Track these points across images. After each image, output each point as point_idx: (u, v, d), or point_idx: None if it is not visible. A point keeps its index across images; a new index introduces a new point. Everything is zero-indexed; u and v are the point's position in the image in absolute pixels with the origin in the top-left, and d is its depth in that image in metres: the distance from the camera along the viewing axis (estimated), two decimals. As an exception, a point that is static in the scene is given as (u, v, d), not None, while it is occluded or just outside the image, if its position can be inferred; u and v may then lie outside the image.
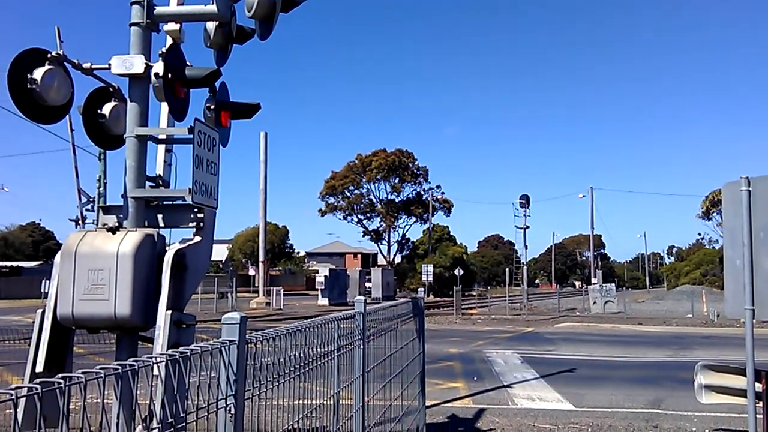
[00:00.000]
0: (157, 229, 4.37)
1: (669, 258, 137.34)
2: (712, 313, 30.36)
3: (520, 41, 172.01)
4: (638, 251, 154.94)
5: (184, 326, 4.02)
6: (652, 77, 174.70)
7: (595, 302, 36.94)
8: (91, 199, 16.92)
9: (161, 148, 5.11)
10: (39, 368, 4.09)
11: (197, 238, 4.51)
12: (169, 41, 4.89)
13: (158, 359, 2.16)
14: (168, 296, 4.02)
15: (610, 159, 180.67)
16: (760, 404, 7.35)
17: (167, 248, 4.27)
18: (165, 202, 4.76)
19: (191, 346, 2.23)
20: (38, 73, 4.42)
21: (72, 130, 15.65)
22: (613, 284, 41.57)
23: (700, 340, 21.08)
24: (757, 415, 7.26)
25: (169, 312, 3.96)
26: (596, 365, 14.99)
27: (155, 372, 2.65)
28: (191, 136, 4.40)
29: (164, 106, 5.13)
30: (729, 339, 20.56)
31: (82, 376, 1.69)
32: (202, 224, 4.59)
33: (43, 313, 4.25)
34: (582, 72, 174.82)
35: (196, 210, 4.59)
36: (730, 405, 8.07)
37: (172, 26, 4.91)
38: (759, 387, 7.32)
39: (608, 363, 15.37)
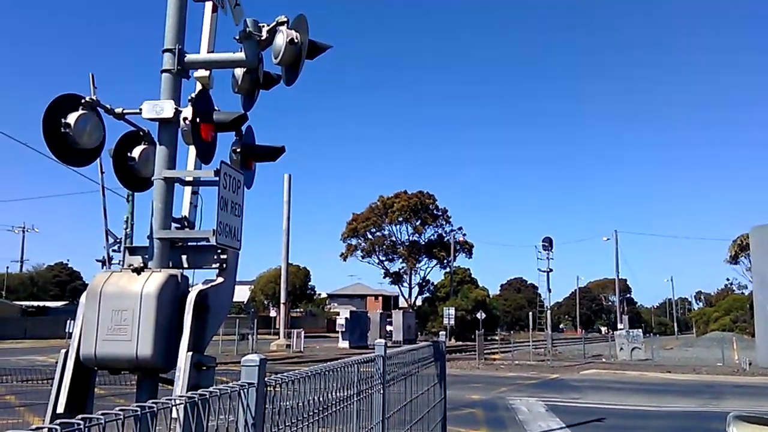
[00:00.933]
0: (181, 270, 4.42)
1: (697, 303, 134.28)
2: (744, 361, 29.36)
3: (542, 86, 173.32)
4: (665, 296, 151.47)
5: (205, 368, 4.02)
6: (676, 122, 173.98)
7: (621, 348, 36.03)
8: (118, 240, 17.20)
9: (188, 190, 5.21)
10: (60, 409, 4.10)
11: (220, 279, 4.55)
12: (199, 87, 5.05)
13: (177, 401, 2.16)
14: (189, 338, 4.03)
15: (634, 202, 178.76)
16: (798, 459, 7.03)
17: (190, 289, 4.31)
18: (189, 243, 4.83)
19: (210, 389, 2.23)
20: (72, 118, 4.58)
21: (102, 173, 16.10)
22: (640, 330, 40.54)
23: (731, 389, 20.35)
24: (795, 471, 6.94)
25: (190, 354, 3.97)
26: (624, 415, 14.52)
27: (174, 414, 2.64)
28: (217, 178, 4.50)
29: (192, 150, 5.25)
30: (762, 389, 19.83)
31: (101, 417, 1.70)
32: (225, 265, 4.63)
33: (67, 353, 4.28)
34: (606, 114, 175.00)
35: (219, 251, 4.64)
36: (766, 459, 7.73)
37: (202, 73, 5.08)
38: (796, 440, 7.02)
39: (636, 412, 14.89)
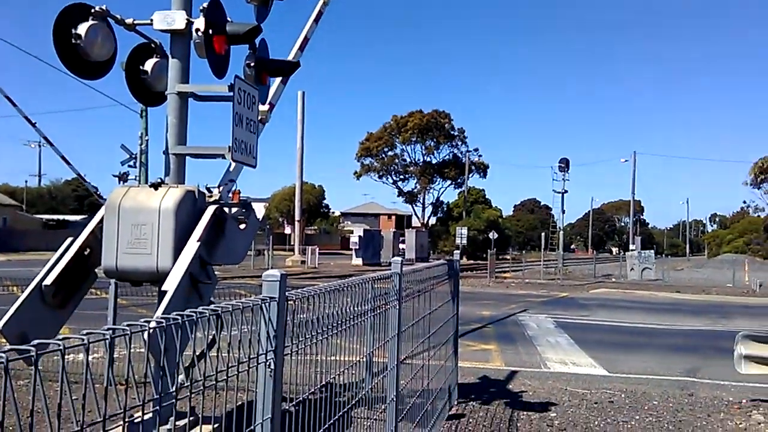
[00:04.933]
0: (197, 185, 4.43)
1: (711, 226, 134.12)
2: (755, 282, 29.61)
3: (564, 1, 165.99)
4: (680, 218, 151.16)
5: (208, 282, 4.07)
6: (699, 36, 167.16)
7: (632, 269, 36.38)
8: (133, 156, 17.22)
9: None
10: (47, 282, 4.21)
11: (243, 226, 4.59)
12: (210, -4, 4.86)
13: (199, 314, 2.19)
14: (200, 239, 4.04)
15: (653, 123, 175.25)
16: (802, 377, 7.20)
17: (208, 201, 4.34)
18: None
19: (234, 302, 2.26)
20: (82, 29, 4.45)
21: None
22: (652, 251, 40.75)
23: (740, 309, 20.64)
24: (799, 388, 7.12)
25: (195, 248, 3.96)
26: (632, 332, 14.85)
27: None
28: (231, 93, 4.41)
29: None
30: (771, 310, 20.08)
31: (127, 328, 1.72)
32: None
33: (74, 240, 4.38)
34: (627, 31, 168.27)
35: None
36: (770, 376, 7.92)
37: (213, -19, 4.87)
38: (802, 360, 7.15)
39: (644, 330, 15.21)
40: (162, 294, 3.95)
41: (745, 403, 7.73)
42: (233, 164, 4.90)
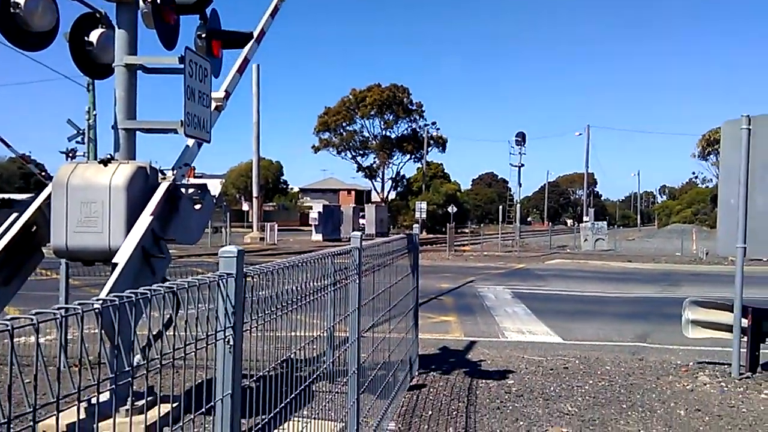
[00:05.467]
0: (149, 161, 4.30)
1: (661, 197, 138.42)
2: (701, 251, 30.81)
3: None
4: (631, 190, 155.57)
5: (161, 256, 3.98)
6: (652, 14, 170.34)
7: (586, 240, 37.35)
8: (81, 132, 16.55)
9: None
10: None
11: (198, 206, 4.48)
12: (157, -36, 4.66)
13: (154, 292, 2.14)
14: (153, 213, 3.94)
15: (607, 97, 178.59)
16: (745, 339, 7.55)
17: (161, 181, 4.22)
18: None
19: (190, 279, 2.21)
20: (20, -3, 4.23)
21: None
22: (605, 222, 41.90)
23: (688, 277, 21.47)
24: (741, 349, 7.47)
25: (148, 222, 3.87)
26: (586, 300, 15.30)
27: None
28: (182, 66, 4.27)
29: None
30: (716, 277, 20.96)
31: (78, 307, 1.66)
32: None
33: (19, 216, 4.23)
34: (582, 8, 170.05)
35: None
36: (715, 339, 8.29)
37: (160, -53, 4.67)
38: (744, 322, 7.50)
39: (597, 298, 15.69)
40: (114, 267, 3.83)
41: (692, 365, 8.08)
42: (190, 143, 4.77)
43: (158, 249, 3.98)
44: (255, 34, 5.99)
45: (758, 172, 7.34)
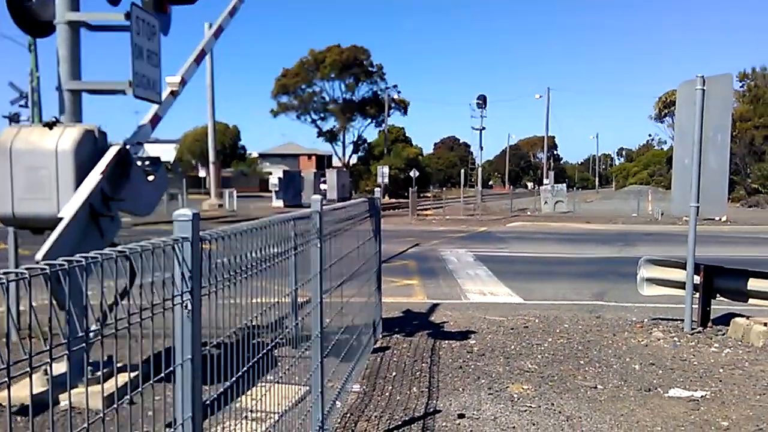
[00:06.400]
0: (97, 125, 4.11)
1: (619, 159, 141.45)
2: (657, 211, 31.70)
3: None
4: (590, 153, 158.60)
5: (109, 215, 3.83)
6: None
7: (546, 202, 38.01)
8: (23, 95, 15.70)
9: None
10: None
11: (151, 177, 4.32)
12: None
13: (106, 256, 2.05)
14: (103, 172, 3.76)
15: (567, 61, 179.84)
16: (697, 295, 7.82)
17: (111, 145, 4.05)
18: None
19: (143, 243, 2.12)
20: (-52, -53, 3.92)
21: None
22: (564, 185, 42.67)
23: (643, 237, 22.10)
24: (693, 305, 7.75)
25: (97, 180, 3.70)
26: (545, 262, 15.62)
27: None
28: (128, 22, 4.05)
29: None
30: (671, 236, 21.63)
31: (25, 272, 1.56)
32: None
33: None
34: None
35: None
36: (669, 296, 8.57)
37: None
38: (697, 279, 7.76)
39: (557, 260, 16.03)
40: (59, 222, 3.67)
41: (647, 322, 8.35)
42: (144, 120, 4.57)
43: (107, 209, 3.83)
44: (213, 30, 5.82)
45: (711, 132, 7.50)
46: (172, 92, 4.76)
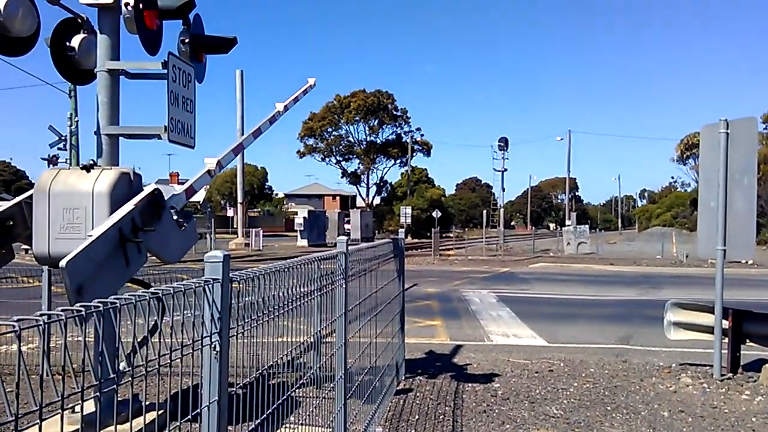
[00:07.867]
0: (132, 167, 4.27)
1: (641, 201, 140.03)
2: (681, 253, 31.19)
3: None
4: (612, 194, 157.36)
5: (137, 241, 3.90)
6: (633, 21, 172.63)
7: (568, 243, 37.65)
8: (62, 138, 16.29)
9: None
10: None
11: (182, 228, 4.47)
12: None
13: (140, 297, 2.12)
14: (137, 204, 3.84)
15: (588, 103, 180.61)
16: (726, 340, 7.65)
17: (144, 188, 4.19)
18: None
19: (175, 284, 2.20)
20: (1, 2, 4.18)
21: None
22: (587, 226, 42.32)
23: (668, 279, 21.72)
24: (722, 350, 7.57)
25: (130, 209, 3.78)
26: (569, 303, 15.41)
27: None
28: (165, 71, 4.25)
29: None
30: (696, 279, 21.21)
31: (62, 314, 1.64)
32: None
33: None
34: (566, 14, 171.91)
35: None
36: (696, 341, 8.39)
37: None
38: (725, 324, 7.60)
39: (581, 301, 15.81)
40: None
41: (675, 367, 8.17)
42: (177, 189, 4.70)
43: (135, 236, 3.91)
44: (253, 130, 6.03)
45: (737, 175, 7.46)
46: (208, 171, 4.95)
